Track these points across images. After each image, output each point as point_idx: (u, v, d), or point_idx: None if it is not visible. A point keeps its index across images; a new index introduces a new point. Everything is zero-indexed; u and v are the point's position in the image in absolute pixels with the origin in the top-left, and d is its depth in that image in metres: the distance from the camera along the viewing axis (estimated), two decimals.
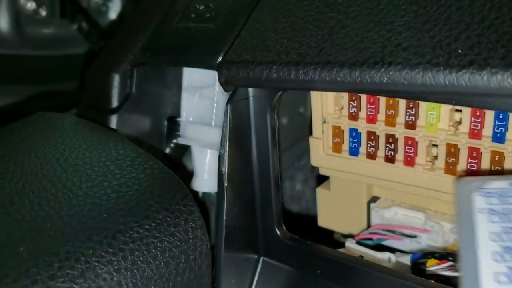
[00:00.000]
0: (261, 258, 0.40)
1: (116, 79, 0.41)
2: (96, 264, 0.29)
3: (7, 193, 0.32)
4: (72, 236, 0.29)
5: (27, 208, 0.30)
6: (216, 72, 0.38)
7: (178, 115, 0.45)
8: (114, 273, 0.29)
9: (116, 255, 0.29)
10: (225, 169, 0.36)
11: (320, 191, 0.48)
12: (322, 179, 0.49)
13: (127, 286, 0.29)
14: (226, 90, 0.36)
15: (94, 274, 0.28)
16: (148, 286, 0.30)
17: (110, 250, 0.29)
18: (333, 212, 0.47)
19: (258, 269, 0.40)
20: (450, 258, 0.38)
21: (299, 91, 0.55)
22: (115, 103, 0.41)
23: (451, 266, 0.38)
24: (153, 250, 0.31)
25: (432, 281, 0.34)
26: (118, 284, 0.29)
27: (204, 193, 0.45)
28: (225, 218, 0.36)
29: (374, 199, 0.45)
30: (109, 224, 0.30)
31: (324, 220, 0.49)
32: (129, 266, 0.29)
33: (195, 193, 0.44)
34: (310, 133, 0.44)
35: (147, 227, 0.31)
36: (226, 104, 0.36)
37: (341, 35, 0.31)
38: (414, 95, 0.31)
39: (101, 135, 0.38)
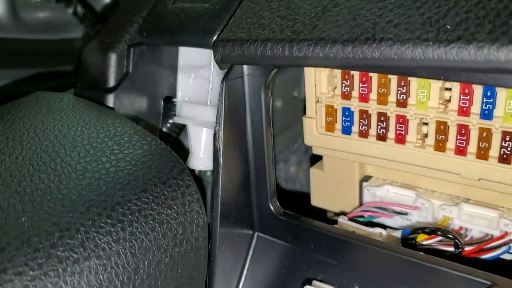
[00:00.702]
0: (256, 234, 0.41)
1: (113, 59, 0.42)
2: (95, 234, 0.29)
3: (7, 167, 0.32)
4: (72, 208, 0.30)
5: (28, 181, 0.31)
6: (211, 53, 0.39)
7: (174, 96, 0.46)
8: (113, 243, 0.30)
9: (115, 226, 0.30)
10: (221, 145, 0.37)
11: (313, 171, 0.49)
12: (315, 161, 0.50)
13: (126, 256, 0.30)
14: (221, 68, 0.37)
15: (94, 243, 0.29)
16: (146, 256, 0.31)
17: (109, 221, 0.30)
18: (326, 191, 0.48)
19: (253, 244, 0.41)
20: (439, 233, 0.39)
21: (293, 68, 0.56)
22: (112, 82, 0.42)
23: (440, 241, 0.40)
24: (151, 222, 0.32)
25: (422, 253, 0.35)
26: (116, 253, 0.30)
27: (200, 172, 0.46)
28: (220, 194, 0.37)
29: (366, 178, 0.46)
30: (107, 197, 0.31)
31: (317, 200, 0.50)
32: (128, 236, 0.30)
33: (192, 172, 0.45)
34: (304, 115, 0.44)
35: (145, 200, 0.32)
36: (221, 82, 0.36)
37: (334, 13, 0.32)
38: (405, 70, 0.32)
39: (99, 113, 0.39)
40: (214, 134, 0.37)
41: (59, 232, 0.28)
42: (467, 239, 0.41)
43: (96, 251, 0.29)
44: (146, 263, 0.31)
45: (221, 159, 0.37)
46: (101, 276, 0.28)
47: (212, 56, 0.38)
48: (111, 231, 0.30)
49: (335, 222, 0.44)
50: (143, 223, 0.31)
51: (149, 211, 0.32)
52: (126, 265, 0.30)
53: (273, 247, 0.40)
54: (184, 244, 0.33)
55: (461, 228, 0.41)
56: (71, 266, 0.28)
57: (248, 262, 0.40)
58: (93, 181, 0.32)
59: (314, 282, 0.36)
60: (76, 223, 0.29)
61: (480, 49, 0.26)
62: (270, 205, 0.40)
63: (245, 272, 0.40)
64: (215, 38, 0.37)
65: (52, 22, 0.70)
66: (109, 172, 0.33)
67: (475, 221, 0.40)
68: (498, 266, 0.39)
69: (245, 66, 0.37)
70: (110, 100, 0.42)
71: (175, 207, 0.33)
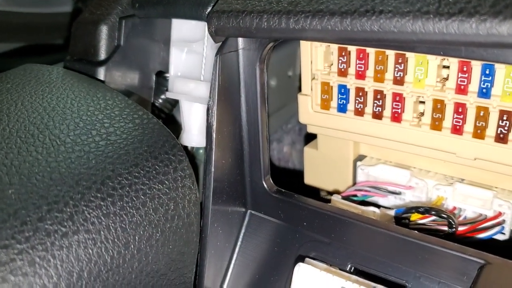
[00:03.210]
0: (248, 211, 0.40)
1: (104, 31, 0.41)
2: (85, 208, 0.29)
3: None
4: (61, 181, 0.29)
5: (15, 153, 0.30)
6: (205, 26, 0.38)
7: (167, 71, 0.45)
8: (103, 218, 0.29)
9: (105, 200, 0.29)
10: (214, 121, 0.36)
11: (307, 150, 0.48)
12: (309, 142, 0.50)
13: (116, 230, 0.29)
14: (215, 41, 0.36)
15: (83, 217, 0.28)
16: (137, 231, 0.30)
17: (98, 195, 0.29)
18: (320, 170, 0.48)
19: (245, 222, 0.40)
20: (433, 212, 0.39)
21: (288, 46, 0.55)
22: (103, 55, 0.41)
23: (434, 220, 0.39)
24: (142, 197, 0.31)
25: (416, 231, 0.34)
26: (106, 228, 0.29)
27: (193, 149, 0.46)
28: (213, 170, 0.37)
29: (360, 157, 0.46)
30: (97, 170, 0.30)
31: (311, 179, 0.49)
32: (118, 211, 0.30)
33: (184, 148, 0.44)
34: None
35: (136, 174, 0.31)
36: (215, 56, 0.35)
37: None
38: (404, 45, 0.31)
39: (89, 85, 0.38)
40: (207, 109, 0.36)
41: (47, 205, 0.28)
42: (460, 219, 0.40)
43: (85, 225, 0.28)
44: (136, 238, 0.30)
45: (214, 135, 0.36)
46: (90, 251, 0.28)
47: (206, 29, 0.37)
48: (100, 205, 0.29)
49: (329, 201, 0.43)
50: (134, 198, 0.30)
51: (140, 185, 0.31)
52: (116, 240, 0.29)
53: (266, 224, 0.39)
54: (175, 219, 0.32)
55: (455, 208, 0.41)
56: (60, 240, 0.27)
57: (240, 239, 0.40)
58: (83, 154, 0.31)
59: (307, 259, 0.36)
60: (65, 197, 0.29)
61: (482, 22, 0.25)
62: (264, 183, 0.39)
63: (237, 249, 0.39)
64: (209, 9, 0.36)
65: None
66: (99, 145, 0.32)
67: (469, 201, 0.40)
68: (491, 247, 0.39)
69: (239, 40, 0.36)
70: (101, 73, 0.41)
71: (166, 182, 0.32)
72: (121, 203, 0.30)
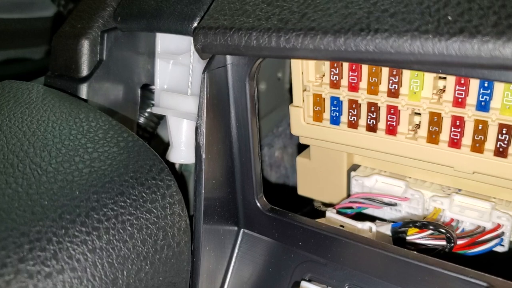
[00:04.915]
0: (241, 230, 0.39)
1: (86, 45, 0.39)
2: (69, 244, 0.27)
3: None
4: (43, 215, 0.28)
5: None
6: (191, 39, 0.36)
7: (152, 83, 0.43)
8: (89, 254, 0.28)
9: (90, 235, 0.28)
10: (203, 140, 0.34)
11: (300, 160, 0.47)
12: (301, 147, 0.48)
13: (103, 266, 0.28)
14: (202, 58, 0.35)
15: (67, 255, 0.27)
16: (125, 266, 0.29)
17: (83, 229, 0.28)
18: (313, 181, 0.47)
19: (239, 241, 0.39)
20: (430, 227, 0.38)
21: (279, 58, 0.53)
22: (85, 71, 0.39)
23: (431, 234, 0.38)
24: (129, 228, 0.29)
25: (414, 251, 0.33)
26: (93, 264, 0.27)
27: (181, 164, 0.44)
28: (203, 191, 0.35)
29: (354, 167, 0.45)
30: (81, 201, 0.29)
31: (304, 189, 0.48)
32: (104, 245, 0.28)
33: (172, 165, 0.42)
34: (290, 99, 0.42)
35: (122, 204, 0.30)
36: (203, 72, 0.34)
37: None
38: (400, 64, 0.30)
39: (71, 105, 0.36)
40: (196, 129, 0.35)
41: (28, 244, 0.26)
42: (458, 231, 0.40)
43: (70, 263, 0.27)
44: (125, 273, 0.29)
45: (203, 155, 0.35)
46: None
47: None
48: (86, 240, 0.28)
49: (322, 212, 0.42)
50: (121, 230, 0.29)
51: (126, 216, 0.29)
52: (103, 277, 0.28)
53: (260, 244, 0.38)
54: (165, 250, 0.31)
55: (452, 220, 0.40)
56: (43, 281, 0.26)
57: (233, 260, 0.38)
58: (66, 184, 0.29)
59: (303, 282, 0.35)
60: (48, 233, 0.27)
61: (484, 43, 0.24)
62: (256, 201, 0.38)
63: (230, 271, 0.38)
64: (195, 24, 0.34)
65: (22, 0, 0.66)
66: (82, 173, 0.30)
67: (466, 213, 0.39)
68: (490, 259, 0.38)
69: (228, 55, 0.35)
70: (83, 90, 0.39)
71: (154, 210, 0.31)
72: (107, 236, 0.28)
